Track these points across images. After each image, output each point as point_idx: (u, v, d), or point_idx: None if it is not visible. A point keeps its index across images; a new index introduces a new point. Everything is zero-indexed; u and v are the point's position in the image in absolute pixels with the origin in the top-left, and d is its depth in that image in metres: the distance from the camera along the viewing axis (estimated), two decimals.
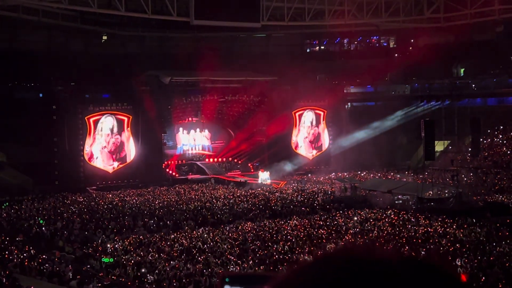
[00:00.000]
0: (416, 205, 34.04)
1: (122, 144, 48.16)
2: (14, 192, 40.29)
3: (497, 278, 17.73)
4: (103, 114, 47.25)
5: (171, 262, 22.09)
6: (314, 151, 57.10)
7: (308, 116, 56.96)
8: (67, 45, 56.84)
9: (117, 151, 48.02)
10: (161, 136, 50.11)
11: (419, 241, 23.93)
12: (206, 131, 58.50)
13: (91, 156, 46.78)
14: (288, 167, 52.73)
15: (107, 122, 47.40)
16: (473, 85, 57.72)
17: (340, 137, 56.30)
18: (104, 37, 59.94)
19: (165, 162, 52.28)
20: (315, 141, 57.35)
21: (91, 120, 46.66)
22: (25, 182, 43.60)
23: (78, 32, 55.99)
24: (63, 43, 56.91)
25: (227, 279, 1.26)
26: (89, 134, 46.56)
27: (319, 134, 57.43)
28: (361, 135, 55.04)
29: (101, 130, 47.28)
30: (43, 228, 30.11)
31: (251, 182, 47.07)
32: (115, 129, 47.85)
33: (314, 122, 57.16)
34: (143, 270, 21.39)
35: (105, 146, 47.44)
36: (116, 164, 47.81)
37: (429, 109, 57.15)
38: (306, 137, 57.04)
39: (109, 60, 53.24)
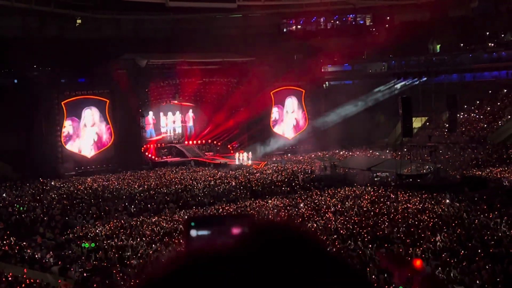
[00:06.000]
0: (395, 182, 34.36)
1: (100, 128, 47.85)
2: None
3: (475, 252, 17.97)
4: (79, 99, 46.87)
5: (153, 246, 22.08)
6: (293, 131, 57.14)
7: (286, 96, 56.94)
8: (41, 30, 56.05)
9: (95, 135, 47.74)
10: (139, 120, 49.73)
11: (399, 217, 24.14)
12: (191, 110, 58.20)
13: (68, 141, 46.43)
14: (267, 147, 52.77)
15: (86, 109, 47.11)
16: (449, 61, 58.05)
17: (318, 116, 56.37)
18: (79, 21, 59.16)
19: (144, 146, 52.00)
20: (293, 120, 57.38)
21: (68, 105, 46.27)
22: (3, 169, 43.15)
23: (53, 16, 55.17)
24: (37, 28, 56.08)
25: (192, 223, 1.22)
26: (66, 119, 46.20)
27: (297, 113, 57.45)
28: (339, 113, 55.15)
29: (81, 118, 47.01)
30: (23, 215, 29.89)
31: (231, 164, 47.07)
32: (94, 115, 47.54)
33: (292, 102, 57.15)
34: (125, 254, 21.37)
35: (83, 131, 47.19)
36: (94, 148, 47.57)
37: (406, 86, 57.40)
38: (285, 117, 57.07)
39: (85, 44, 52.60)
